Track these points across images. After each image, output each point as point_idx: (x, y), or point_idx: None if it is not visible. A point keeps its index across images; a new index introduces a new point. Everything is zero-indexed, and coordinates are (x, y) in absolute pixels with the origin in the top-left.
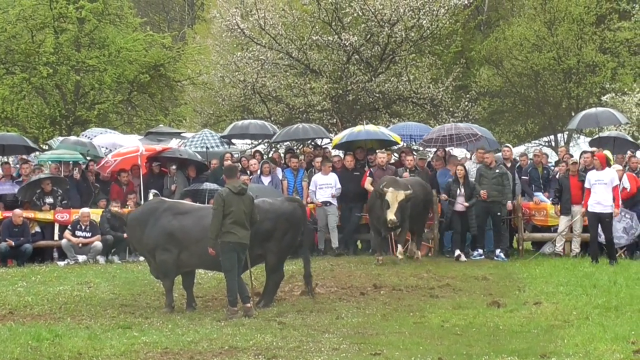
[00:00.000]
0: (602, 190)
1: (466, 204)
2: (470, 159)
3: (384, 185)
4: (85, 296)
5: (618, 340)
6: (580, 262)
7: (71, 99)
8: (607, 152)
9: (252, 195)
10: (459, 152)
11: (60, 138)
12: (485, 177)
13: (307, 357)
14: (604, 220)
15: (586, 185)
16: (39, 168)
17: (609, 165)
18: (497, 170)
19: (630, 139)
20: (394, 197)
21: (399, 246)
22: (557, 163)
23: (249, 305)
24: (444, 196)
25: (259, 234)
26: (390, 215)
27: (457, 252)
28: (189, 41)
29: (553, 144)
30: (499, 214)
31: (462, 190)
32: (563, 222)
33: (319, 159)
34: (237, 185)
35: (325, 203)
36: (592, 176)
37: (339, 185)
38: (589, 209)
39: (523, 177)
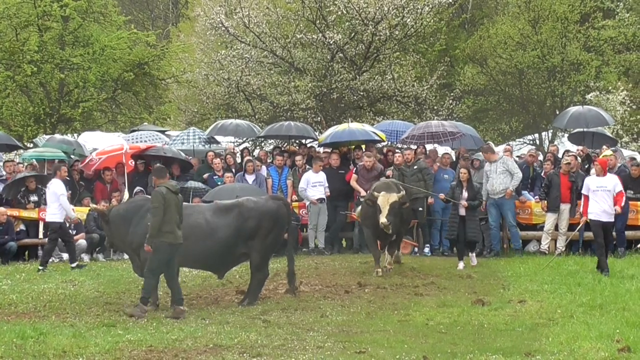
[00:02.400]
0: (605, 197)
1: (465, 204)
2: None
3: (374, 189)
4: (69, 294)
5: (602, 338)
6: (564, 261)
7: (55, 97)
8: (608, 152)
9: (181, 196)
10: (442, 149)
11: (46, 136)
12: (405, 175)
13: (291, 355)
14: (608, 229)
15: (584, 191)
16: (29, 165)
17: (590, 163)
18: (415, 167)
19: (609, 134)
20: (386, 200)
21: (388, 256)
22: (542, 162)
23: (182, 307)
24: (441, 196)
25: (243, 232)
26: (382, 219)
27: (461, 263)
28: (173, 39)
29: (537, 142)
30: (420, 209)
31: (465, 193)
32: (550, 220)
33: (299, 157)
34: (172, 184)
35: (320, 200)
36: (592, 182)
37: (326, 184)
38: (594, 218)
39: None
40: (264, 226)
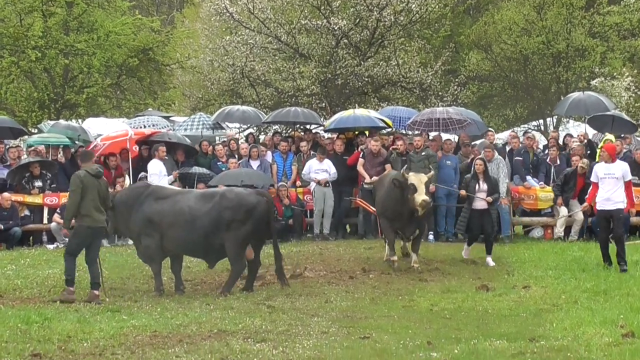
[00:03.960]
0: (612, 184)
1: (489, 199)
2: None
3: (404, 170)
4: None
5: (606, 324)
6: (569, 247)
7: (60, 82)
8: (611, 136)
9: (106, 181)
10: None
11: (51, 122)
12: (412, 162)
13: (296, 341)
14: (616, 217)
15: (592, 179)
16: (33, 151)
17: (592, 149)
18: (424, 153)
19: (628, 118)
20: (419, 179)
21: (414, 255)
22: (545, 148)
23: (97, 292)
24: (462, 192)
25: (220, 222)
26: (422, 196)
27: (467, 249)
28: (177, 25)
29: (542, 128)
30: None
31: (483, 185)
32: (564, 210)
33: (304, 143)
34: (94, 168)
35: (326, 183)
36: (600, 169)
37: (334, 170)
38: (600, 207)
39: (517, 159)
40: (238, 219)
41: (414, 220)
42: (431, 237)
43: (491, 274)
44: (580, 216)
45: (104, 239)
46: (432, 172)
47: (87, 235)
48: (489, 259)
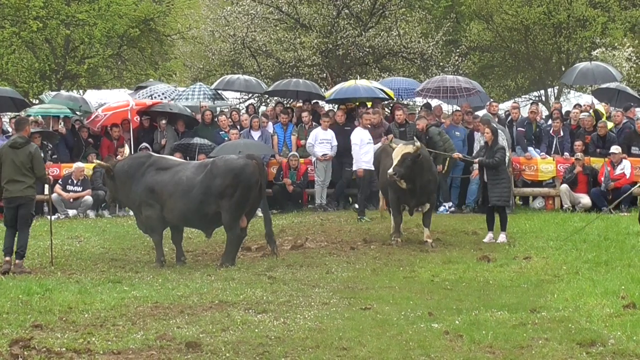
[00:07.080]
0: None
1: (475, 162)
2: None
3: (392, 141)
4: (75, 250)
5: (608, 294)
6: (570, 217)
7: (61, 53)
8: (600, 107)
9: (32, 148)
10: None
11: (52, 93)
12: (435, 142)
13: (297, 312)
14: None
15: None
16: (34, 122)
17: (598, 119)
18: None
19: (632, 92)
20: (399, 150)
21: (426, 229)
22: (547, 118)
23: (19, 261)
24: (455, 155)
25: (213, 190)
26: (390, 169)
27: (490, 234)
28: None
29: (543, 98)
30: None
31: (485, 157)
32: (564, 188)
33: (305, 114)
34: (13, 137)
35: (324, 155)
36: None
37: (335, 143)
38: None
39: (519, 129)
40: (229, 185)
41: (415, 192)
42: (442, 208)
43: (492, 245)
44: (587, 201)
45: (104, 210)
46: (418, 144)
47: (6, 205)
48: (501, 235)
